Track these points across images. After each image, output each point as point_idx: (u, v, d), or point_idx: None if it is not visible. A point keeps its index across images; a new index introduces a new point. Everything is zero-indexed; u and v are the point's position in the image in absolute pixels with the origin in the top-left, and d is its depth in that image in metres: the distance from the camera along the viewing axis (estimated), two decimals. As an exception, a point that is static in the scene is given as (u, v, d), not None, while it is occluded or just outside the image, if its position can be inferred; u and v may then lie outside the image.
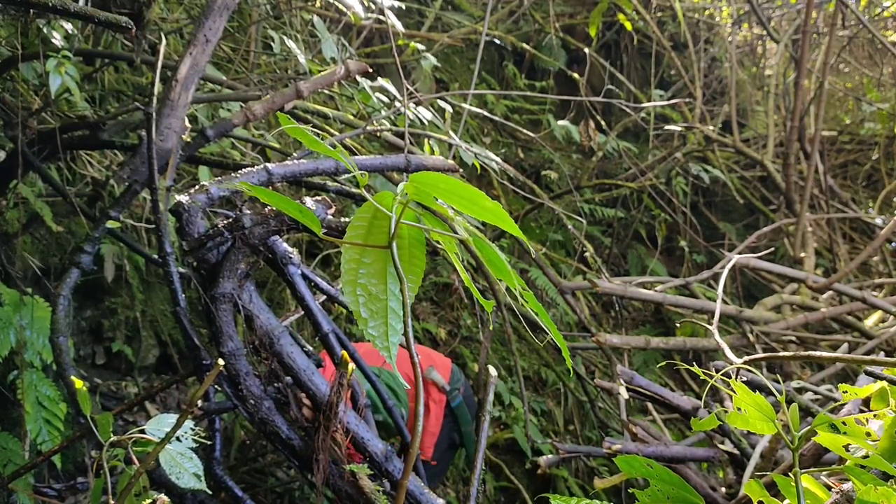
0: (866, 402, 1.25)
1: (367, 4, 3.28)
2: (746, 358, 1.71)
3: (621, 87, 6.06)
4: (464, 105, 3.72)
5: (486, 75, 6.45)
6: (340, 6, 3.32)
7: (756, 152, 5.95)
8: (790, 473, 1.08)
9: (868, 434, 1.08)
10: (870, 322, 4.32)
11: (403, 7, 4.37)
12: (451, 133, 3.26)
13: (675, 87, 6.62)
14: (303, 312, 2.09)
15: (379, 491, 1.69)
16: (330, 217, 1.68)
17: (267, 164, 1.93)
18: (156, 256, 2.45)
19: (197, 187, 1.75)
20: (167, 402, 3.35)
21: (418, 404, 0.72)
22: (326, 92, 3.73)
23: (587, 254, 4.87)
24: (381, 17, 3.28)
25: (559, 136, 5.42)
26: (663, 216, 5.92)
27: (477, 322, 4.63)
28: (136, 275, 3.34)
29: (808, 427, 1.07)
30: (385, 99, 3.30)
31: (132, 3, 2.35)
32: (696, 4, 7.00)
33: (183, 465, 1.31)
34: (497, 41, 5.84)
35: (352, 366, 1.77)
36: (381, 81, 3.24)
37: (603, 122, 5.64)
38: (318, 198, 1.64)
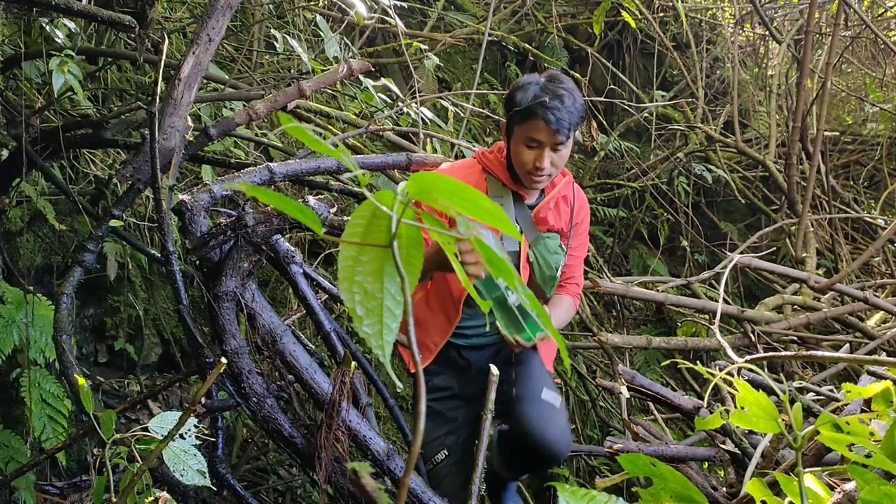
0: (868, 402, 1.25)
1: (370, 4, 3.28)
2: (748, 357, 1.71)
3: (623, 87, 6.05)
4: (466, 105, 3.72)
5: (488, 75, 6.45)
6: (343, 6, 3.33)
7: (758, 152, 5.94)
8: (792, 472, 1.08)
9: (871, 434, 1.08)
10: (871, 322, 4.31)
11: (406, 6, 4.37)
12: (454, 132, 3.26)
13: (678, 87, 6.62)
14: (305, 311, 2.09)
15: (381, 489, 1.69)
16: (332, 216, 1.69)
17: (269, 164, 1.93)
18: (159, 255, 2.46)
19: (199, 186, 1.76)
20: (170, 400, 3.35)
21: (419, 402, 0.72)
22: (329, 91, 3.74)
23: (589, 253, 4.86)
24: (384, 16, 3.29)
25: (561, 136, 5.40)
26: (665, 216, 5.92)
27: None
28: (139, 273, 3.34)
29: (812, 426, 1.07)
30: (388, 98, 3.30)
31: (135, 2, 2.35)
32: (698, 4, 7.00)
33: (187, 463, 1.32)
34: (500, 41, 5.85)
35: (354, 364, 1.78)
36: (383, 81, 3.24)
37: (605, 122, 5.62)
38: (321, 196, 1.64)
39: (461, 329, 2.28)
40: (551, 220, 2.28)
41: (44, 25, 2.61)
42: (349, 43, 3.64)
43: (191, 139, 2.22)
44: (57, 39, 2.61)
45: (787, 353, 3.63)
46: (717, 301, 3.34)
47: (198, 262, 1.72)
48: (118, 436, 1.40)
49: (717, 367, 2.73)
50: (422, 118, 3.17)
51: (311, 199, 1.65)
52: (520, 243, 2.23)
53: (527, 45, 5.88)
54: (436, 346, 2.28)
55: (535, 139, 2.11)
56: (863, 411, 2.25)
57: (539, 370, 2.26)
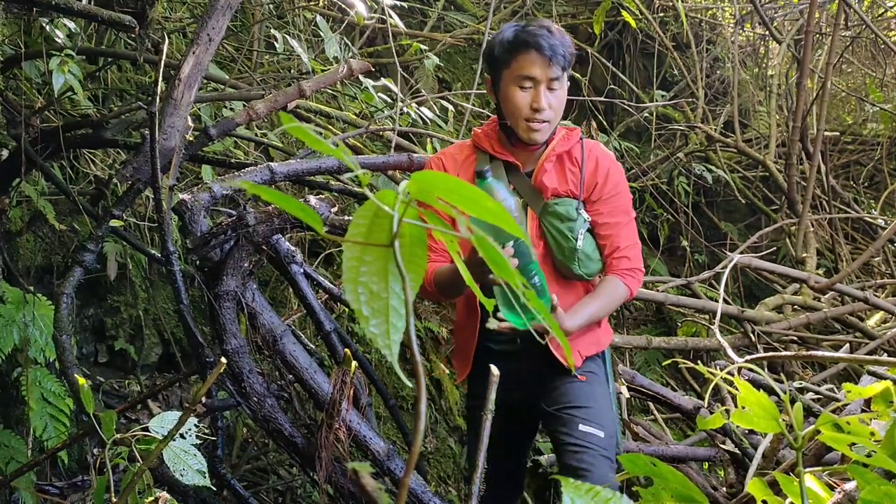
0: (868, 402, 1.25)
1: (370, 4, 3.28)
2: (748, 357, 1.71)
3: (623, 87, 6.06)
4: (466, 104, 3.73)
5: (488, 75, 6.45)
6: (343, 5, 3.33)
7: (758, 152, 5.95)
8: (792, 472, 1.08)
9: (871, 434, 1.08)
10: (871, 322, 4.31)
11: (406, 6, 4.37)
12: (454, 132, 3.26)
13: (678, 87, 6.61)
14: (305, 311, 2.09)
15: (381, 489, 1.69)
16: (333, 215, 1.69)
17: (270, 163, 1.94)
18: (159, 255, 2.46)
19: (200, 186, 1.76)
20: (170, 400, 3.35)
21: (419, 402, 0.72)
22: (329, 91, 3.74)
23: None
24: (384, 16, 3.29)
25: (561, 136, 5.41)
26: (665, 216, 5.91)
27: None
28: (139, 273, 3.34)
29: (812, 426, 1.07)
30: (388, 98, 3.30)
31: (135, 2, 2.36)
32: (698, 4, 6.99)
33: (187, 463, 1.32)
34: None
35: (354, 364, 1.78)
36: (383, 81, 3.24)
37: (605, 122, 5.61)
38: (322, 196, 1.65)
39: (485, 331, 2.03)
40: (553, 184, 2.00)
41: (44, 25, 2.61)
42: (349, 43, 3.64)
43: (191, 139, 2.22)
44: (57, 39, 2.61)
45: (787, 353, 3.63)
46: (717, 301, 3.34)
47: (198, 262, 1.72)
48: (118, 436, 1.40)
49: (717, 367, 2.73)
50: (421, 118, 3.18)
51: (312, 199, 1.65)
52: (526, 221, 2.00)
53: (527, 45, 5.87)
54: (471, 351, 2.05)
55: (527, 76, 1.92)
56: (863, 411, 2.25)
57: (578, 395, 1.98)
